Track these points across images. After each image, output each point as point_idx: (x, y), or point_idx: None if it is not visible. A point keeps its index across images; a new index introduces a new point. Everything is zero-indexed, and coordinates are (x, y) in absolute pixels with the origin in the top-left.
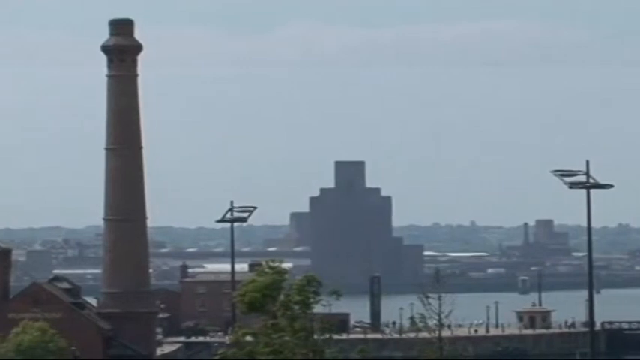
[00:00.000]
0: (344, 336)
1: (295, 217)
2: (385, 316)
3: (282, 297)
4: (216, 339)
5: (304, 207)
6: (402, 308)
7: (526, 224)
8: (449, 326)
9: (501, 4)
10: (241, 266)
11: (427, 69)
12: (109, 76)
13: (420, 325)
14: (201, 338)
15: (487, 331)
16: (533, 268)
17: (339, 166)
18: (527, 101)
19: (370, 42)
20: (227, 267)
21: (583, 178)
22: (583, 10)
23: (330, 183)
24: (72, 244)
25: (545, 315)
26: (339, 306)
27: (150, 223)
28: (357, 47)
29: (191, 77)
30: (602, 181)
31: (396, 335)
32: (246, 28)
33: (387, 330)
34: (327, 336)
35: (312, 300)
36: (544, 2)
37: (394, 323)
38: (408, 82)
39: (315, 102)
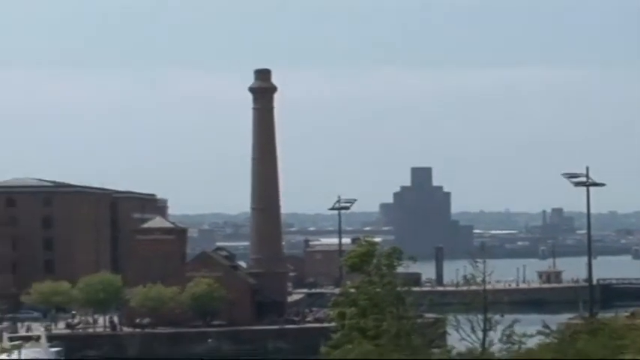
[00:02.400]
0: (417, 289)
1: (383, 206)
2: (446, 276)
3: (374, 261)
4: (329, 290)
5: (389, 199)
6: (457, 269)
7: (544, 211)
8: (489, 282)
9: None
10: (346, 240)
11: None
12: (254, 109)
13: (471, 281)
14: (318, 290)
15: (517, 285)
16: (549, 241)
17: (414, 170)
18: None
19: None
20: (336, 241)
21: (584, 179)
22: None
23: (407, 182)
24: (229, 225)
25: (558, 274)
26: (414, 268)
27: (282, 210)
28: (428, 92)
29: (310, 106)
30: (597, 180)
31: (454, 288)
32: (348, 70)
33: (429, 284)
34: (406, 288)
35: (395, 263)
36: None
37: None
38: (461, 116)
39: (394, 126)
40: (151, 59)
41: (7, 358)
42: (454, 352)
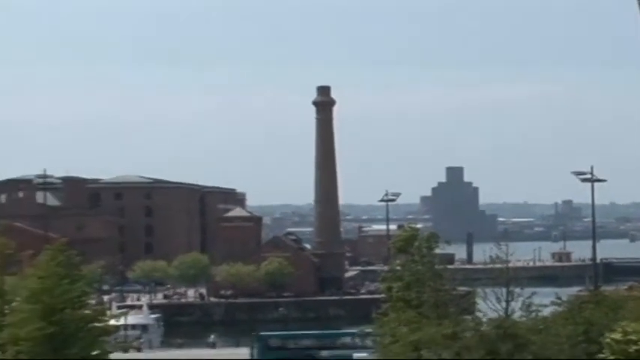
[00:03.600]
0: (451, 266)
1: (423, 199)
2: (475, 256)
3: (416, 244)
4: (379, 267)
5: (428, 193)
6: (484, 251)
7: (556, 202)
8: (511, 261)
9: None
10: (392, 227)
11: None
12: (317, 119)
13: (496, 260)
14: (370, 267)
15: (534, 263)
16: (560, 227)
17: (449, 169)
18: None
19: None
20: (384, 227)
21: (589, 176)
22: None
23: (443, 179)
24: (297, 214)
25: (568, 254)
26: (449, 249)
27: (340, 201)
28: (461, 103)
29: (363, 117)
30: (600, 177)
31: (482, 266)
32: (394, 85)
33: (461, 263)
34: (442, 266)
35: (433, 246)
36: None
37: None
38: (488, 124)
39: (433, 131)
40: (231, 75)
41: (115, 322)
42: (483, 318)
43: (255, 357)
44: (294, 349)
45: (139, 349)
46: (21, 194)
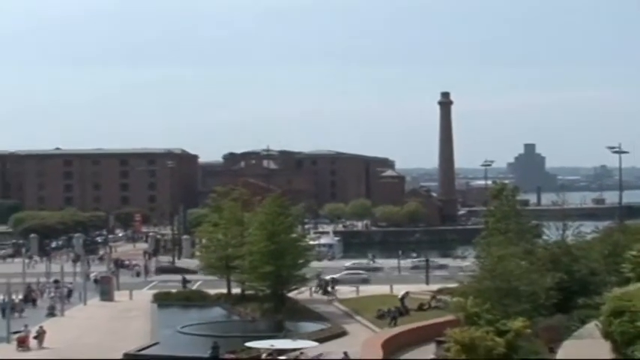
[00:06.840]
0: (527, 208)
1: (509, 164)
2: (542, 201)
3: (505, 193)
4: (480, 209)
5: (512, 160)
6: (548, 198)
7: (595, 166)
8: (565, 204)
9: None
10: (489, 182)
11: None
12: (440, 114)
13: (556, 203)
14: (474, 208)
15: (581, 205)
16: (598, 182)
17: (526, 145)
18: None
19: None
20: (484, 182)
21: (617, 149)
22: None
23: (522, 151)
24: (427, 174)
25: (603, 200)
26: (525, 196)
27: (455, 165)
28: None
29: (473, 113)
30: (624, 149)
31: (547, 207)
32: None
33: (534, 205)
34: (521, 208)
35: (515, 194)
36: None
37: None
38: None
39: (519, 121)
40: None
41: (312, 242)
42: (549, 240)
43: None
44: None
45: (330, 259)
46: (253, 161)
